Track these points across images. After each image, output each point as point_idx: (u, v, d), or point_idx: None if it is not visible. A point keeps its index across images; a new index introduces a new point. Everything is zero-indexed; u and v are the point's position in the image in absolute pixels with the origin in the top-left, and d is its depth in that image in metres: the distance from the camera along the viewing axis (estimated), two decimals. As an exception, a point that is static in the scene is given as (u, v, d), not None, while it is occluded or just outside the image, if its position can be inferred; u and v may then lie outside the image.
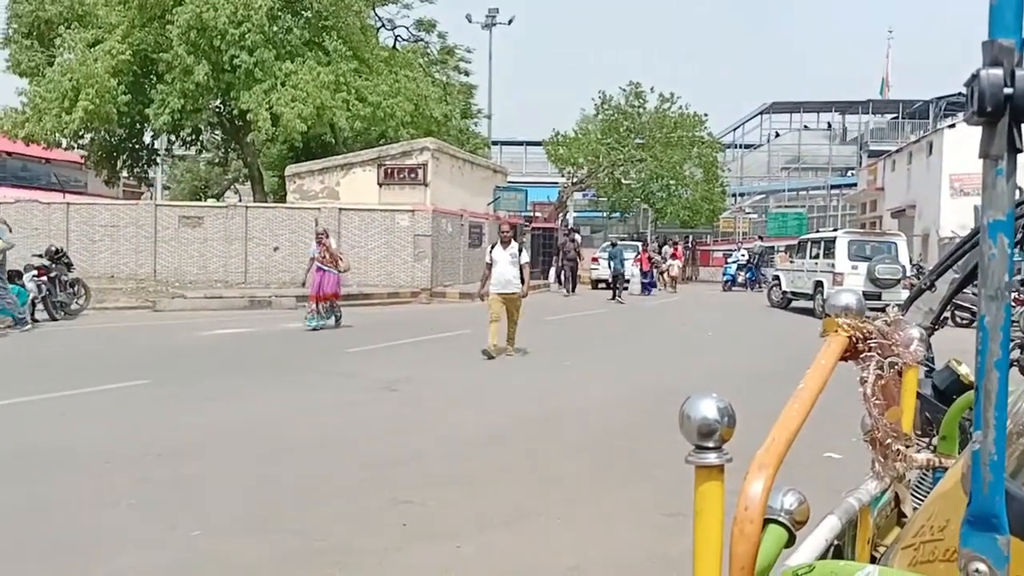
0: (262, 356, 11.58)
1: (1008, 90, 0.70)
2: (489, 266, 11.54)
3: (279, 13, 26.11)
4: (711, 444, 0.96)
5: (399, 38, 35.47)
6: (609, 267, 26.82)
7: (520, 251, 11.59)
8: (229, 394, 8.48)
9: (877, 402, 1.33)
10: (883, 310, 1.53)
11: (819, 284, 20.54)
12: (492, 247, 11.72)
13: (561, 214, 39.78)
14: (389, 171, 25.59)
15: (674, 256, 33.74)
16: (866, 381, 1.33)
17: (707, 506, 0.96)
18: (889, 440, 1.33)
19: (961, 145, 29.52)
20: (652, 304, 24.88)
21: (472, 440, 6.70)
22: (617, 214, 44.15)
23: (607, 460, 6.16)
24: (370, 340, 12.85)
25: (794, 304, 22.72)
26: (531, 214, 36.48)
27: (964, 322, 14.62)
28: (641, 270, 28.76)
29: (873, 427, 1.33)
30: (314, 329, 13.96)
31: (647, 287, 28.65)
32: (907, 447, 1.37)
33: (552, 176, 45.64)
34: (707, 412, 0.96)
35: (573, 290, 26.61)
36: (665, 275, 32.00)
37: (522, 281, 11.52)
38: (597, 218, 49.66)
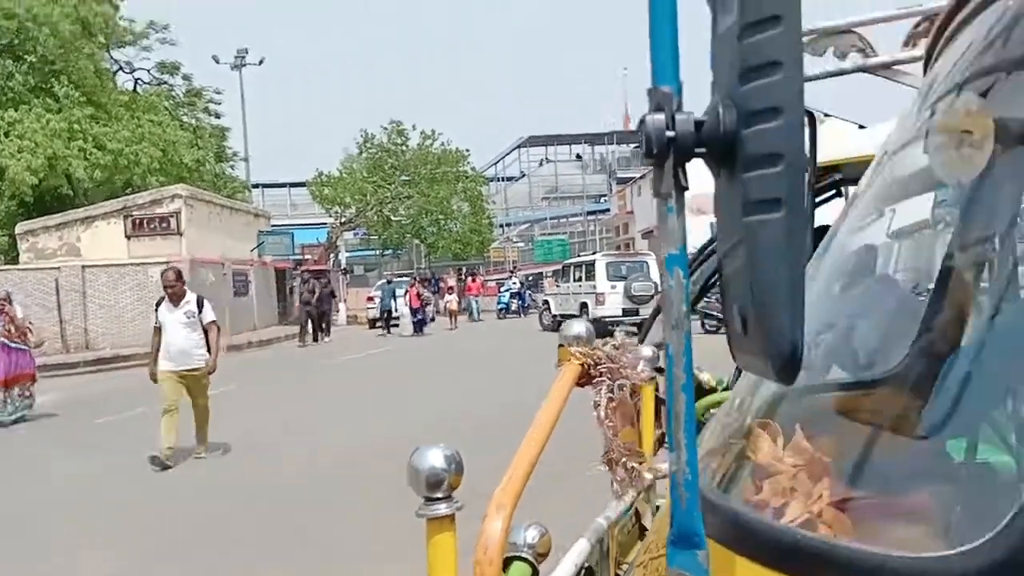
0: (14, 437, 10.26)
1: (670, 133, 0.75)
2: (157, 330, 8.29)
3: (-3, 57, 23.72)
4: (440, 494, 0.94)
5: (140, 81, 33.40)
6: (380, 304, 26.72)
7: (201, 307, 8.51)
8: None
9: (610, 424, 1.39)
10: (640, 326, 1.61)
11: (584, 305, 21.69)
12: (157, 305, 8.50)
13: (332, 255, 39.06)
14: (138, 222, 23.81)
15: (450, 291, 33.70)
16: (599, 405, 1.39)
17: (440, 558, 0.95)
18: (624, 459, 1.39)
19: (697, 165, 32.58)
20: (422, 342, 23.47)
21: (258, 498, 6.32)
22: (390, 251, 44.10)
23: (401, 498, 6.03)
24: (128, 406, 11.71)
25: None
26: (300, 257, 35.51)
27: (712, 329, 15.93)
28: (411, 307, 26.55)
29: (609, 448, 1.39)
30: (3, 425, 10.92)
31: (419, 325, 26.55)
32: (640, 463, 1.44)
33: (320, 217, 44.78)
34: (434, 462, 0.95)
35: (325, 335, 24.92)
36: (443, 309, 31.13)
37: (208, 349, 8.35)
38: (370, 256, 49.35)
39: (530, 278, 38.23)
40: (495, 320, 33.23)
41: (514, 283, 35.82)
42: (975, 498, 1.10)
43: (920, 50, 1.67)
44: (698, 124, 0.74)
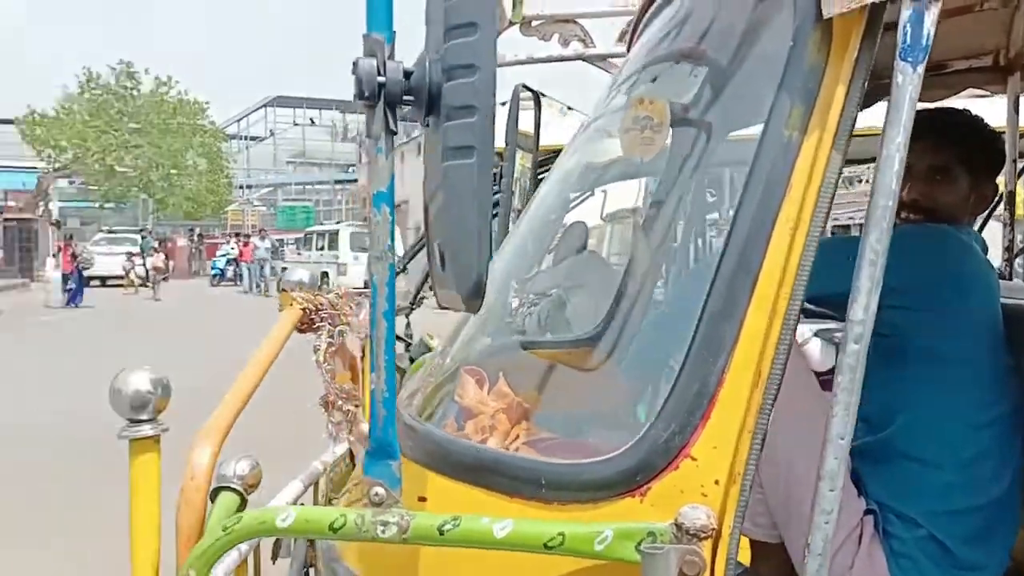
0: None
1: (381, 79, 0.82)
2: None
3: None
4: (145, 416, 0.95)
5: None
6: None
7: None
8: None
9: (328, 368, 1.44)
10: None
11: (325, 274, 21.35)
12: None
13: (42, 203, 35.02)
14: None
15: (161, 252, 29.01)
16: (319, 349, 1.43)
17: (143, 477, 0.96)
18: (340, 402, 1.45)
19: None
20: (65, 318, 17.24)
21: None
22: (112, 204, 40.34)
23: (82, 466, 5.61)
24: None
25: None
26: (2, 203, 31.55)
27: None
28: (63, 272, 20.27)
29: (326, 391, 1.44)
30: None
31: (73, 294, 19.99)
32: (357, 407, 1.51)
33: (30, 159, 39.89)
34: (139, 384, 0.95)
35: None
36: (131, 274, 25.01)
37: None
38: (88, 208, 44.81)
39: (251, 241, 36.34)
40: (204, 288, 29.22)
41: (232, 248, 32.42)
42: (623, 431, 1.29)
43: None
44: (407, 73, 0.82)
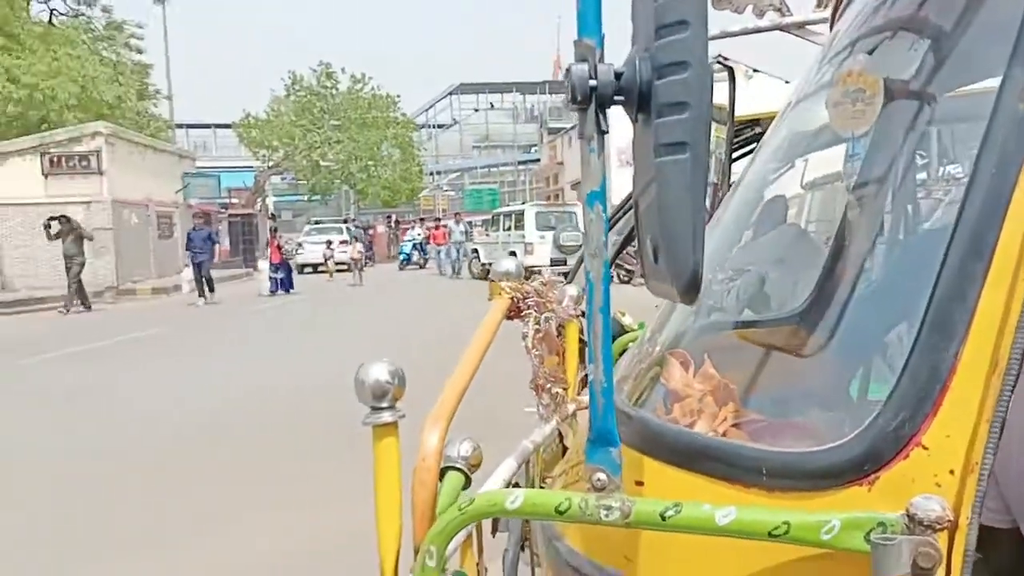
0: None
1: (593, 82, 0.85)
2: None
3: None
4: (385, 404, 1.04)
5: (56, 12, 31.66)
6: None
7: None
8: None
9: (537, 353, 1.50)
10: (567, 275, 1.72)
11: (513, 254, 21.84)
12: None
13: (259, 199, 38.24)
14: (55, 160, 22.82)
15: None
16: (527, 335, 1.50)
17: (385, 460, 1.05)
18: (549, 385, 1.51)
19: (625, 120, 32.82)
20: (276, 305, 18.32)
21: (166, 445, 6.32)
22: (318, 197, 43.38)
23: (307, 441, 6.12)
24: (46, 348, 11.51)
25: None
26: (226, 200, 34.71)
27: (626, 279, 16.22)
28: (271, 263, 21.05)
29: (535, 375, 1.50)
30: None
31: (281, 284, 20.93)
32: (565, 389, 1.57)
33: (247, 159, 43.64)
34: (378, 375, 1.05)
35: (211, 290, 18.58)
36: (329, 262, 26.28)
37: None
38: (298, 201, 48.44)
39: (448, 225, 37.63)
40: (396, 272, 30.32)
41: (417, 233, 33.98)
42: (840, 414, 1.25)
43: (830, 11, 1.80)
44: (617, 74, 0.84)
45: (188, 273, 18.75)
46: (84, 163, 22.92)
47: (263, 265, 21.55)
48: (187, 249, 18.74)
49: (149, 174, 25.88)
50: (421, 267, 31.64)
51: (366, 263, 28.72)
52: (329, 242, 27.18)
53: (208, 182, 31.39)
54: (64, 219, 17.77)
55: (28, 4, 29.64)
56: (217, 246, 19.60)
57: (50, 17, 31.25)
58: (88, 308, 17.40)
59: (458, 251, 26.53)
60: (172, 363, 10.49)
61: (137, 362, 10.60)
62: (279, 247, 21.18)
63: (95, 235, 21.42)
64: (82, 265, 17.48)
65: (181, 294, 19.07)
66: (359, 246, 27.05)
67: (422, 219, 37.88)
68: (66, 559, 4.12)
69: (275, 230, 25.36)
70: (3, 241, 20.88)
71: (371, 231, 35.96)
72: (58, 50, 26.23)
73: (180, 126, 43.45)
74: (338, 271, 26.15)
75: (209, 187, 31.30)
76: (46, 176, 22.73)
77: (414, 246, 32.92)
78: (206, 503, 4.89)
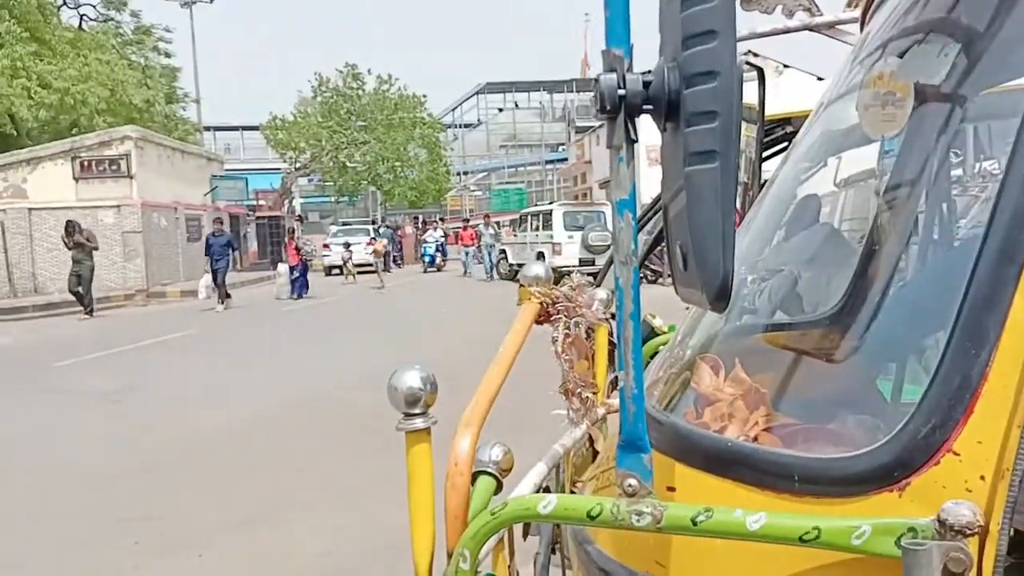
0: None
1: (621, 91, 0.85)
2: None
3: (-69, -11, 22.69)
4: (417, 410, 1.06)
5: (85, 17, 32.22)
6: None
7: None
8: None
9: (567, 357, 1.51)
10: (595, 275, 1.73)
11: (541, 254, 21.83)
12: None
13: (287, 201, 38.57)
14: (86, 164, 23.21)
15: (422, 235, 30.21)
16: (556, 340, 1.50)
17: (418, 466, 1.07)
18: (579, 389, 1.51)
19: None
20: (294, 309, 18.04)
21: (210, 441, 6.42)
22: (345, 198, 43.67)
23: (356, 442, 6.18)
24: (81, 351, 11.71)
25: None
26: (254, 202, 35.03)
27: (651, 279, 16.16)
28: (289, 265, 20.49)
29: (565, 379, 1.51)
30: None
31: (297, 285, 20.25)
32: (595, 394, 1.57)
33: (274, 161, 44.02)
34: (411, 382, 1.06)
35: (221, 300, 18.06)
36: (348, 264, 25.45)
37: None
38: (326, 203, 48.81)
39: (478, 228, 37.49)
40: (420, 274, 29.19)
41: (440, 234, 32.43)
42: (871, 419, 1.25)
43: (860, 11, 1.78)
44: (646, 84, 0.85)
45: (207, 279, 18.08)
46: (114, 167, 23.28)
47: (283, 268, 20.91)
48: (207, 255, 18.21)
49: (178, 177, 26.22)
50: (439, 270, 30.49)
51: (395, 264, 28.39)
52: (347, 244, 26.28)
53: (236, 184, 31.65)
54: (71, 225, 17.32)
55: (58, 10, 30.17)
56: (236, 252, 19.14)
57: (80, 22, 31.80)
58: (90, 315, 16.90)
59: (489, 254, 25.45)
60: (202, 364, 10.63)
61: (168, 364, 10.76)
62: (297, 249, 20.38)
63: (126, 239, 21.79)
64: (91, 270, 17.08)
65: (197, 300, 18.44)
66: (382, 243, 26.14)
67: (441, 219, 36.96)
68: (106, 559, 4.19)
69: (292, 231, 24.90)
70: (36, 245, 21.24)
71: (400, 231, 36.03)
72: (88, 55, 26.68)
73: (208, 129, 44.02)
74: (360, 272, 25.28)
75: (237, 189, 31.56)
76: (77, 180, 23.12)
77: (437, 247, 31.41)
78: (241, 503, 4.95)
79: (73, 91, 24.86)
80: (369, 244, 26.67)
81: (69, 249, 17.07)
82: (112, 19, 32.64)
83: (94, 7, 32.18)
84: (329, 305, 18.59)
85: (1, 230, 20.88)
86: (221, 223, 19.75)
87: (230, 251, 18.38)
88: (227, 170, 33.67)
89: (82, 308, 16.89)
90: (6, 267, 20.92)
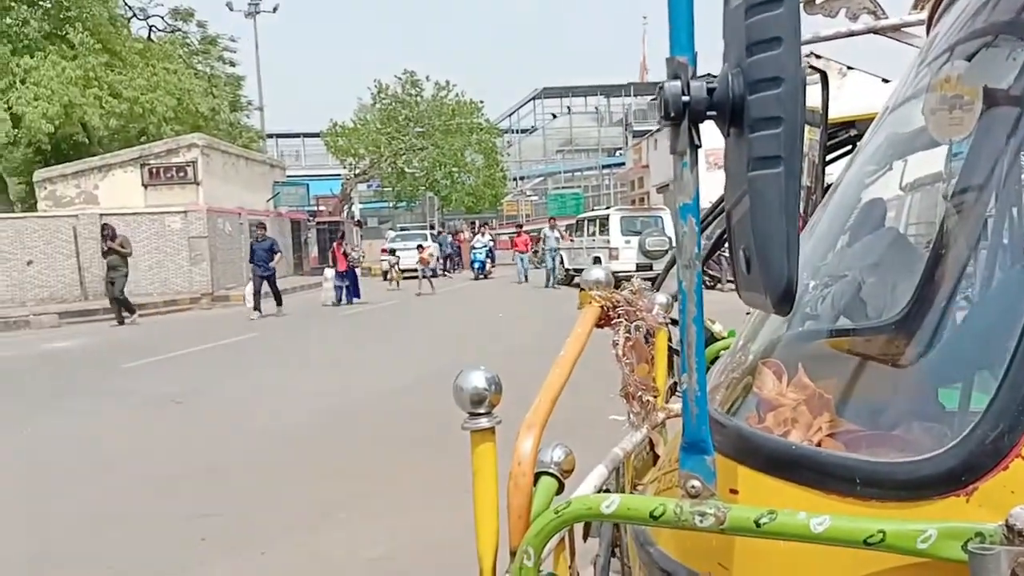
0: (24, 381, 10.56)
1: (685, 98, 0.87)
2: None
3: (11, 4, 23.65)
4: (482, 410, 1.09)
5: (154, 28, 33.27)
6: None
7: None
8: (-11, 426, 7.70)
9: (628, 361, 1.52)
10: (653, 280, 1.74)
11: (597, 259, 21.75)
12: None
13: (346, 206, 39.19)
14: (155, 171, 24.01)
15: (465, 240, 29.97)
16: (617, 343, 1.52)
17: (483, 465, 1.10)
18: (639, 392, 1.53)
19: (711, 124, 32.17)
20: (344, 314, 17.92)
21: (269, 443, 6.56)
22: (403, 204, 44.18)
23: (410, 446, 6.26)
24: (147, 353, 12.08)
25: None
26: (314, 208, 35.69)
27: (710, 284, 15.97)
28: (337, 271, 19.91)
29: (625, 383, 1.53)
30: None
31: (347, 292, 19.86)
32: (655, 397, 1.58)
33: (334, 168, 44.80)
34: (477, 382, 1.09)
35: (279, 303, 17.56)
36: (393, 270, 24.96)
37: None
38: (384, 208, 49.45)
39: (543, 231, 37.24)
40: (472, 280, 28.38)
41: (489, 240, 30.90)
42: (938, 425, 1.23)
43: (926, 13, 1.76)
44: (710, 90, 0.86)
45: (250, 287, 17.34)
46: (181, 174, 24.00)
47: (329, 273, 20.21)
48: (251, 262, 17.48)
49: (242, 183, 26.89)
50: (485, 277, 29.11)
51: (448, 271, 28.05)
52: (393, 250, 25.94)
53: (297, 190, 32.31)
54: (107, 229, 16.85)
55: (129, 22, 31.22)
56: (279, 256, 18.04)
57: (149, 33, 32.83)
58: (121, 323, 16.54)
59: (553, 259, 24.16)
60: (262, 367, 10.86)
61: (230, 366, 11.03)
62: (345, 254, 19.73)
63: (192, 244, 22.40)
64: (125, 277, 16.62)
65: (244, 307, 17.79)
66: (428, 251, 24.95)
67: (485, 223, 35.40)
68: (174, 555, 4.32)
69: (342, 236, 24.12)
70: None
71: (458, 236, 36.24)
72: (156, 65, 27.55)
73: (271, 136, 44.99)
74: (410, 278, 24.32)
75: (298, 195, 32.22)
76: (146, 187, 23.92)
77: (488, 253, 30.01)
78: (299, 504, 5.05)
79: (142, 100, 25.69)
80: (397, 252, 25.92)
81: (104, 256, 16.70)
82: (179, 30, 33.63)
83: (162, 18, 33.23)
84: (387, 310, 18.81)
85: (73, 235, 21.63)
86: (263, 227, 18.93)
87: (273, 256, 17.50)
88: (289, 176, 34.42)
89: (122, 314, 16.59)
90: (78, 271, 21.69)
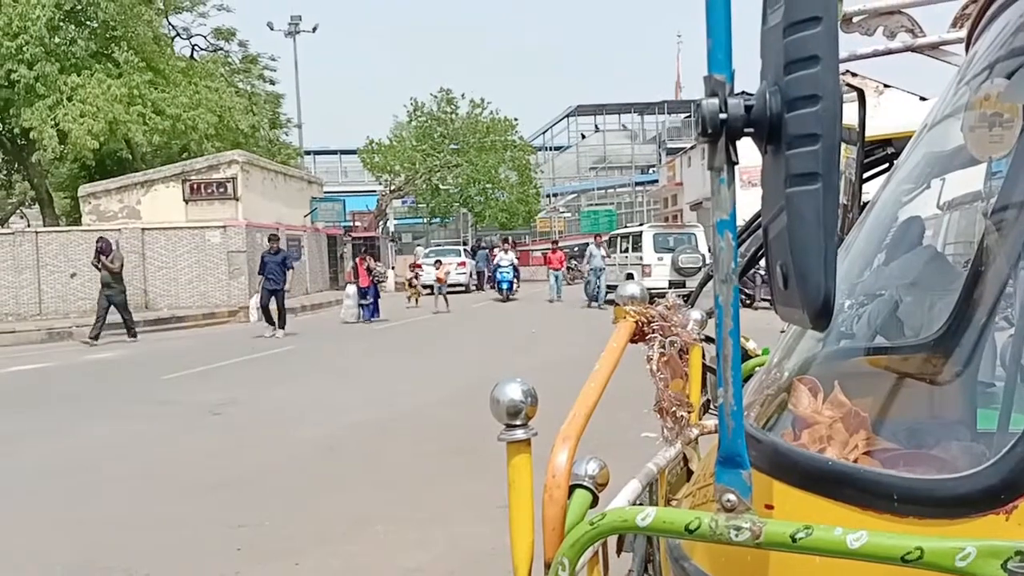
0: (67, 391, 10.76)
1: (723, 115, 0.88)
2: None
3: (60, 23, 24.28)
4: (518, 422, 1.10)
5: (197, 47, 33.96)
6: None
7: None
8: (33, 434, 7.86)
9: (662, 376, 1.53)
10: (687, 297, 1.75)
11: (630, 276, 21.67)
12: None
13: (381, 222, 39.54)
14: (195, 186, 24.45)
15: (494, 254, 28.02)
16: (651, 359, 1.53)
17: (518, 476, 1.11)
18: (673, 408, 1.53)
19: (746, 141, 31.99)
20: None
21: (304, 455, 6.62)
22: (437, 220, 44.48)
23: (442, 459, 6.28)
24: (187, 365, 12.26)
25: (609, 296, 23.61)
26: (350, 224, 36.06)
27: (746, 303, 15.79)
28: (359, 287, 19.09)
29: (659, 398, 1.53)
30: None
31: (369, 309, 19.18)
32: (689, 413, 1.58)
33: (370, 184, 45.28)
34: (513, 395, 1.11)
35: (281, 325, 16.46)
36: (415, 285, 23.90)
37: None
38: (418, 224, 49.81)
39: (576, 248, 37.06)
40: (492, 302, 25.77)
41: (602, 255, 25.33)
42: (976, 443, 1.22)
43: (965, 31, 1.75)
44: (747, 108, 0.87)
45: (255, 300, 16.51)
46: (221, 189, 24.42)
47: (351, 290, 19.32)
48: (260, 273, 16.43)
49: (280, 199, 27.25)
50: (509, 299, 25.91)
51: (484, 285, 27.65)
52: (414, 264, 25.23)
53: (334, 206, 32.69)
54: (102, 242, 16.20)
55: (172, 41, 31.90)
56: (291, 272, 16.91)
57: (192, 52, 33.50)
58: (134, 337, 16.09)
59: (598, 277, 22.15)
60: (298, 379, 10.96)
61: (267, 378, 11.14)
62: (368, 270, 18.90)
63: (231, 258, 22.72)
64: (123, 294, 16.02)
65: (250, 323, 17.31)
66: (447, 267, 23.72)
67: (505, 239, 33.37)
68: (210, 564, 4.38)
69: (365, 250, 23.18)
70: (147, 263, 22.37)
71: (492, 252, 36.43)
72: (198, 83, 28.09)
73: (308, 153, 45.55)
74: (428, 294, 23.34)
75: (335, 211, 32.59)
76: (187, 202, 24.35)
77: (514, 271, 27.10)
78: (333, 515, 5.08)
79: (184, 117, 26.20)
80: (417, 267, 25.22)
81: (98, 270, 15.94)
82: (221, 49, 34.27)
83: (205, 38, 33.88)
84: (419, 325, 18.85)
85: (117, 248, 22.05)
86: (277, 239, 17.94)
87: (286, 272, 16.40)
88: (326, 192, 34.79)
89: (126, 331, 16.05)
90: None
